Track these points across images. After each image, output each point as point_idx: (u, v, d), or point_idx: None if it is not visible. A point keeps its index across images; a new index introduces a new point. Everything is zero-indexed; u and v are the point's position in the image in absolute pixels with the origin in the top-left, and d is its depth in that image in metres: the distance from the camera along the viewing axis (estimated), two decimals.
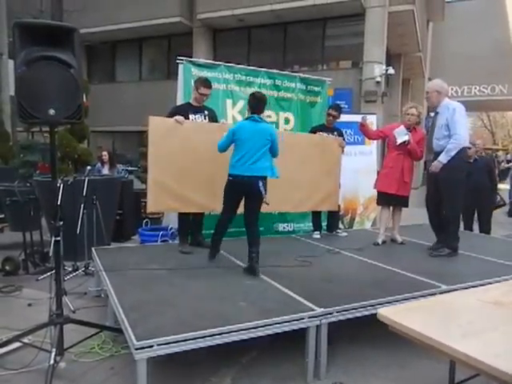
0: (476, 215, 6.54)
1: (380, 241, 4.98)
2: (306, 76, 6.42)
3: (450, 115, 4.27)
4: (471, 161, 6.39)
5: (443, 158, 4.29)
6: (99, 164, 7.84)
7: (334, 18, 14.07)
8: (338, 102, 12.03)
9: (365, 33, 13.21)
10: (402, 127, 4.85)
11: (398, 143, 4.79)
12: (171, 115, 4.46)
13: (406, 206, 5.05)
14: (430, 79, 17.48)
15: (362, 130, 5.16)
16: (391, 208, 5.09)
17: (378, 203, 5.23)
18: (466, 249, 4.69)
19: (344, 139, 5.58)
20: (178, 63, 5.50)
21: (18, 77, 2.50)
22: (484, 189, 6.30)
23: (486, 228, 6.43)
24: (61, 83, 2.56)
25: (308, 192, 5.20)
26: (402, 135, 4.77)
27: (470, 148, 6.38)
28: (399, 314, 2.13)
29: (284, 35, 15.14)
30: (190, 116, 4.51)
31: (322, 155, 5.26)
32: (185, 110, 4.49)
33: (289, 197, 5.09)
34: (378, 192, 5.08)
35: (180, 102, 5.38)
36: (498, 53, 21.29)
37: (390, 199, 4.94)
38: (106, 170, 7.64)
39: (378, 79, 13.02)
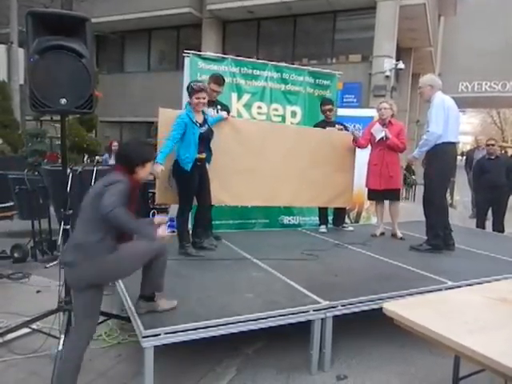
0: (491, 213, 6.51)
1: (378, 232, 5.11)
2: (315, 69, 6.38)
3: (429, 110, 4.29)
4: (492, 157, 6.36)
5: (416, 153, 4.42)
6: (107, 155, 7.85)
7: (344, 10, 13.94)
8: (347, 96, 11.95)
9: (375, 26, 13.08)
10: (377, 124, 4.98)
11: (376, 140, 4.93)
12: None
13: (397, 199, 5.10)
14: (440, 74, 17.32)
15: (356, 145, 5.19)
16: (387, 203, 5.17)
17: (368, 198, 5.43)
18: (474, 246, 4.69)
19: (348, 130, 5.58)
20: (183, 56, 5.48)
21: (30, 66, 2.52)
22: (500, 187, 6.25)
23: (499, 226, 6.38)
24: (72, 73, 2.58)
25: (321, 187, 5.14)
26: (378, 132, 4.90)
27: (493, 145, 6.39)
28: (405, 308, 2.14)
29: (293, 28, 15.03)
30: None
31: (336, 151, 5.20)
32: None
33: (301, 192, 5.06)
34: (368, 189, 5.18)
35: (185, 95, 5.38)
36: (510, 49, 21.00)
37: (380, 195, 5.03)
38: (113, 160, 7.66)
39: (388, 73, 12.91)
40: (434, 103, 4.24)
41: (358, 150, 5.40)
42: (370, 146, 5.11)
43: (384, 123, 4.94)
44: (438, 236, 4.41)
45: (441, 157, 4.26)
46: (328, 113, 5.35)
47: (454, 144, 4.40)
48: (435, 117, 4.18)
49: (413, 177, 13.41)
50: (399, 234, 5.05)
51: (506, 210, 6.47)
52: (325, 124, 5.39)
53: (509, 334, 1.87)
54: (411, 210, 5.20)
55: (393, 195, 5.00)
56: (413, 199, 12.80)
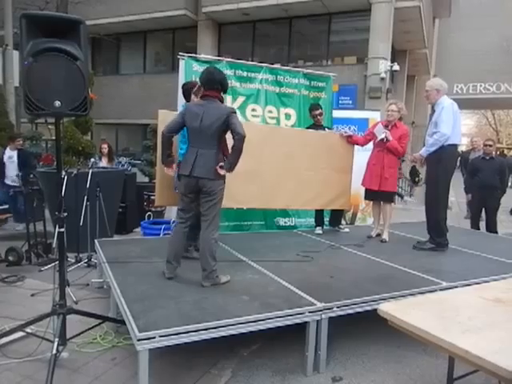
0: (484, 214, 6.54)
1: (373, 233, 5.17)
2: (310, 71, 6.38)
3: (438, 113, 4.38)
4: (487, 158, 6.40)
5: (423, 152, 4.51)
6: (97, 157, 7.81)
7: (339, 13, 13.97)
8: (343, 98, 11.96)
9: (370, 28, 13.12)
10: (380, 125, 5.04)
11: (377, 141, 4.99)
12: None
13: (390, 201, 5.10)
14: (435, 76, 17.39)
15: (352, 142, 5.23)
16: (381, 203, 5.17)
17: (365, 198, 5.45)
18: (468, 246, 4.71)
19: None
20: (179, 59, 5.48)
21: (24, 68, 2.50)
22: (492, 188, 6.29)
23: (492, 227, 6.42)
24: (67, 75, 2.57)
25: (320, 190, 5.11)
26: (380, 133, 4.95)
27: (490, 145, 6.44)
28: (400, 309, 2.15)
29: (289, 30, 15.06)
30: None
31: (335, 153, 5.18)
32: None
33: (300, 194, 5.03)
34: (365, 189, 5.20)
35: (180, 97, 5.37)
36: (505, 50, 21.13)
37: (376, 195, 5.06)
38: (104, 163, 7.61)
39: (383, 75, 12.95)
40: (445, 106, 4.35)
41: (357, 151, 5.42)
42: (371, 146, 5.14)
43: (388, 125, 4.96)
44: (443, 234, 4.55)
45: (446, 157, 4.38)
46: (319, 117, 5.37)
47: (456, 146, 4.54)
48: (446, 119, 4.30)
49: (416, 179, 13.39)
50: (385, 237, 5.01)
51: (497, 211, 6.51)
52: (315, 128, 5.39)
53: (502, 334, 1.88)
54: (407, 211, 5.21)
55: (386, 197, 5.01)
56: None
